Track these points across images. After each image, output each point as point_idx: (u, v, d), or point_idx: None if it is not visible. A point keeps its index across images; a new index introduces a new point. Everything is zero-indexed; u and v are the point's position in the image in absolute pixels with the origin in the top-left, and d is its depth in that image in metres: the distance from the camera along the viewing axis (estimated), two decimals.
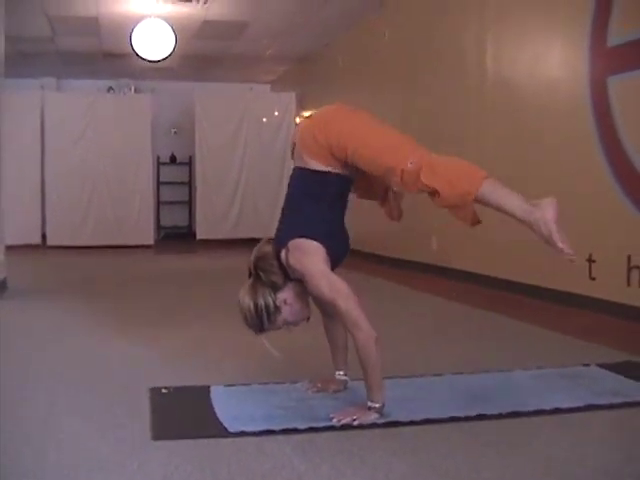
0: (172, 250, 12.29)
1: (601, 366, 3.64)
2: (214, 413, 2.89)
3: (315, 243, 2.86)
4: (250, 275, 2.92)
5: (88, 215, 12.41)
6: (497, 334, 4.67)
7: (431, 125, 7.93)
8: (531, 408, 2.94)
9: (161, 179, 14.54)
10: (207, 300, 6.21)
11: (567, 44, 5.84)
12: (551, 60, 6.09)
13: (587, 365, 3.67)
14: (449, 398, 3.12)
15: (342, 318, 2.84)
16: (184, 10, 9.45)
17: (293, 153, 3.09)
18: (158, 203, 14.19)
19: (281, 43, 11.62)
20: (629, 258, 5.04)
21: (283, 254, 2.89)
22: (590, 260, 5.43)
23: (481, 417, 2.84)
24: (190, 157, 14.55)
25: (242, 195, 12.99)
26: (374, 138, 2.91)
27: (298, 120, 13.16)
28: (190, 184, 14.82)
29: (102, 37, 10.90)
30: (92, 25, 10.15)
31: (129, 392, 3.25)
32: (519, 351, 4.14)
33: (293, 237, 2.88)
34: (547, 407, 2.96)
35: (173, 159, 14.93)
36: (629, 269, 5.04)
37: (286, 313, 2.90)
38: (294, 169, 3.06)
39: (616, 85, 5.20)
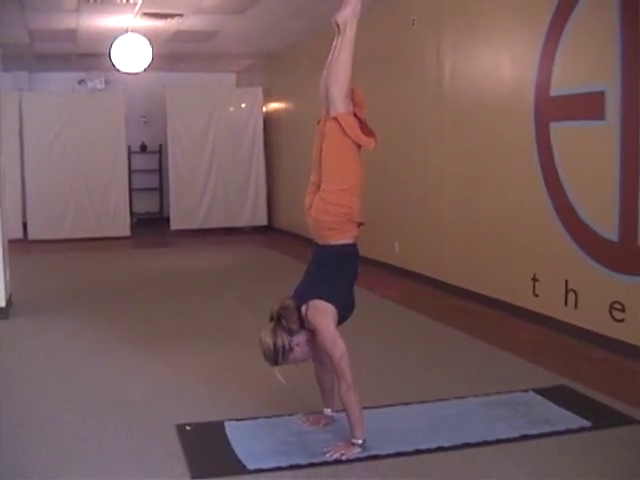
0: (149, 243, 12.84)
1: (537, 391, 4.48)
2: (233, 451, 3.68)
3: (330, 306, 3.67)
4: (271, 319, 3.70)
5: (67, 209, 12.99)
6: (455, 354, 5.51)
7: (396, 128, 8.65)
8: (479, 439, 3.77)
9: (132, 167, 15.05)
10: (201, 314, 6.92)
11: (515, 79, 6.56)
12: (500, 90, 6.80)
13: (525, 391, 4.51)
14: (415, 430, 3.93)
15: (334, 367, 3.66)
16: (159, 24, 10.04)
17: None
18: (130, 190, 14.72)
19: (248, 45, 12.24)
20: (566, 282, 5.88)
21: (304, 309, 3.69)
22: (534, 279, 6.28)
23: (439, 449, 3.67)
24: (160, 145, 15.18)
25: (214, 184, 13.66)
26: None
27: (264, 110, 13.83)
28: (160, 172, 15.46)
29: (79, 43, 11.42)
30: (70, 35, 10.68)
31: (155, 428, 4.00)
32: (472, 373, 4.97)
33: (315, 297, 3.68)
34: (491, 438, 3.80)
35: (143, 148, 15.52)
36: (566, 291, 5.89)
37: (297, 353, 3.70)
38: (316, 245, 3.87)
39: (557, 130, 5.98)
